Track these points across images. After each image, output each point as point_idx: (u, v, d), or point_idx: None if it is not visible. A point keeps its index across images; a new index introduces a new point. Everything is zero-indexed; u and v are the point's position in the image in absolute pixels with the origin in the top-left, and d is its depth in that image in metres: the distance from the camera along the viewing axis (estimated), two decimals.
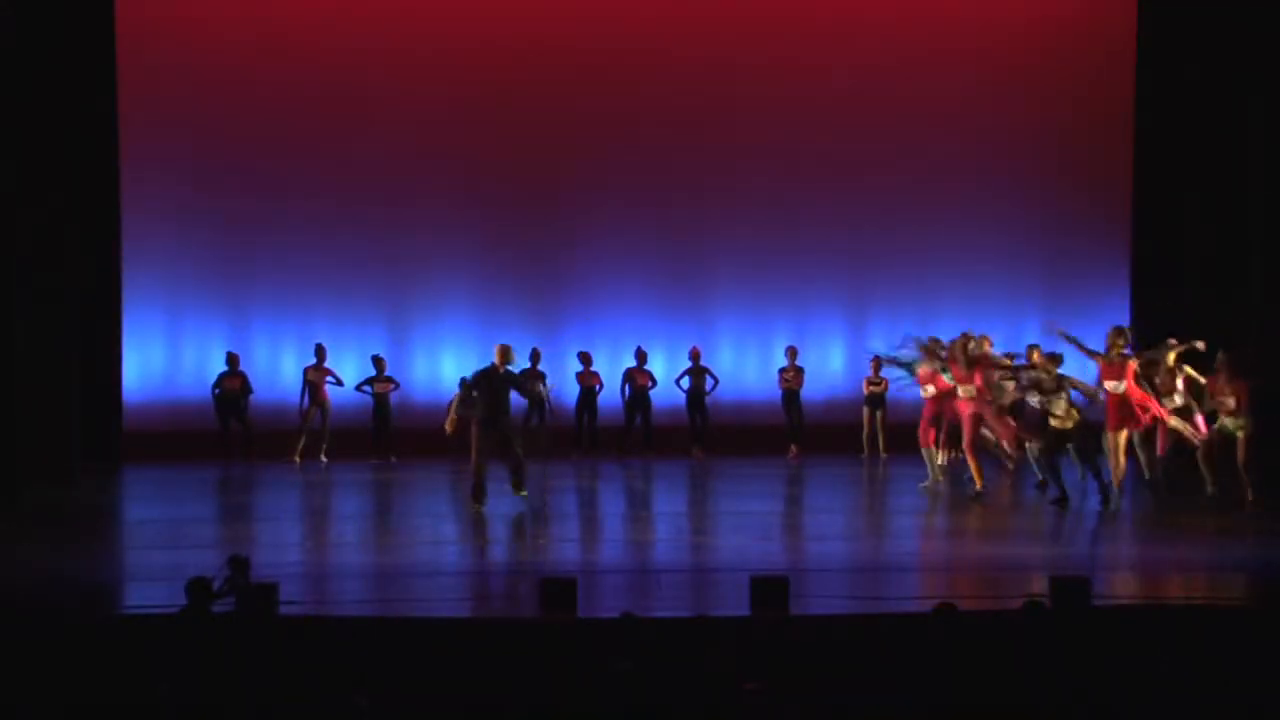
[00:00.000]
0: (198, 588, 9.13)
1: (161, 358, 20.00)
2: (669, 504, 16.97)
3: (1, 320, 16.27)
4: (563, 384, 20.23)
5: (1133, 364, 14.78)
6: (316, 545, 14.42)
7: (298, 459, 19.31)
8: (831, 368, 20.70)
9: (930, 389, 16.05)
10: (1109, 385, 14.83)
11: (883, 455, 19.51)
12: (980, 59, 20.51)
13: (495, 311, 20.41)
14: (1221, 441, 14.97)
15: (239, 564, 9.60)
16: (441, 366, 20.40)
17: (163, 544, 13.50)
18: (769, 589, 10.37)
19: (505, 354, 15.40)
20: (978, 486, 15.35)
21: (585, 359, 20.00)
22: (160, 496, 16.77)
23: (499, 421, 15.08)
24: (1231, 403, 14.84)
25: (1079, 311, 20.95)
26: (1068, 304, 20.90)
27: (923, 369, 16.01)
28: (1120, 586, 11.36)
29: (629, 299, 20.45)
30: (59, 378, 17.71)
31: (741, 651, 9.11)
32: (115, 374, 19.66)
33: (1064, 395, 14.89)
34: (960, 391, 15.56)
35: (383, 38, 20.07)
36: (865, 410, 19.79)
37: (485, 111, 20.14)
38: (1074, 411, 14.90)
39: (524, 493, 15.21)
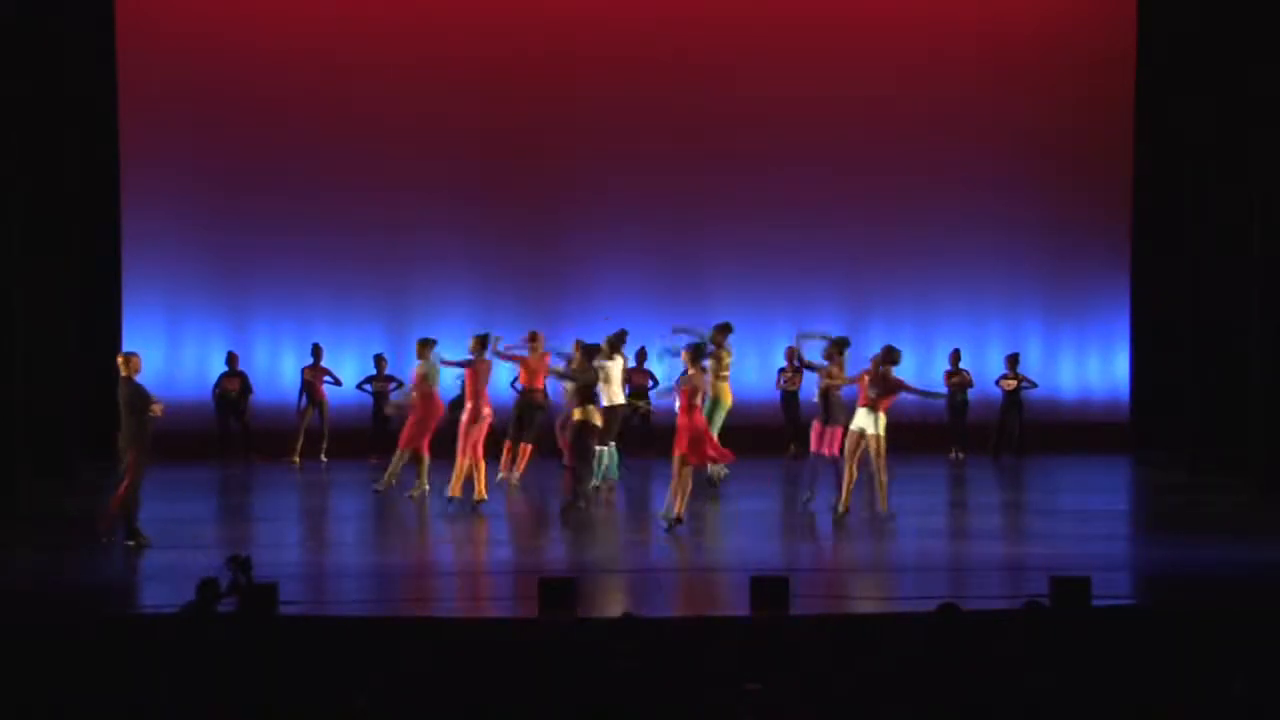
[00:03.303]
0: (207, 589, 9.10)
1: (161, 358, 19.95)
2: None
3: (1, 320, 16.25)
4: (561, 384, 20.17)
5: (686, 390, 14.38)
6: (316, 545, 14.43)
7: (297, 459, 19.30)
8: None
9: None
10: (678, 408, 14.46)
11: None
12: (980, 59, 20.49)
13: (495, 311, 20.36)
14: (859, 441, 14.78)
15: (240, 564, 9.58)
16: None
17: (163, 544, 13.48)
18: (769, 589, 10.37)
19: (124, 363, 13.68)
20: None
21: None
22: (160, 496, 16.74)
23: (127, 441, 13.36)
24: (869, 398, 14.73)
25: (1079, 311, 20.99)
26: (1068, 304, 20.92)
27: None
28: None
29: (629, 298, 20.41)
30: (59, 377, 17.70)
31: (741, 651, 9.12)
32: (116, 374, 19.60)
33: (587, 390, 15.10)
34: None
35: (382, 38, 20.04)
36: None
37: (485, 111, 20.11)
38: (591, 409, 15.01)
39: (105, 540, 13.22)
